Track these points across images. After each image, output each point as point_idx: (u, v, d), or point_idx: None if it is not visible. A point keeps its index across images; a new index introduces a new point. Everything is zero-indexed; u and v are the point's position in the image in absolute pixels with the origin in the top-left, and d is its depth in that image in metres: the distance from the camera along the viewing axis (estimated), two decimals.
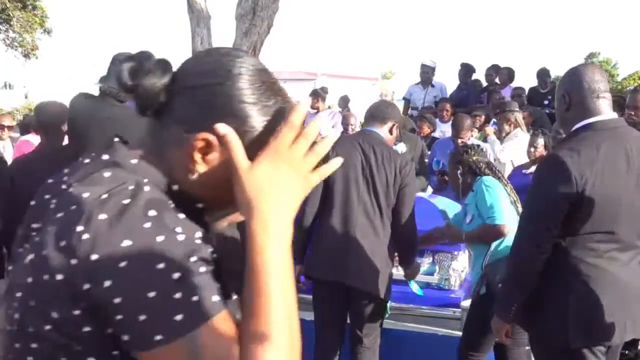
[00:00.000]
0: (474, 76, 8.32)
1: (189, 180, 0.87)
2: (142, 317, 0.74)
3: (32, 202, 0.92)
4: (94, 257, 0.75)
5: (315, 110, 7.41)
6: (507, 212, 2.85)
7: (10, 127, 6.15)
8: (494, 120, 6.12)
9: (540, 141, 4.36)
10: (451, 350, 2.94)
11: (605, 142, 2.09)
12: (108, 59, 2.90)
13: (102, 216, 0.77)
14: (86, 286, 0.75)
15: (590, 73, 2.18)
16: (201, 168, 0.86)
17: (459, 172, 3.06)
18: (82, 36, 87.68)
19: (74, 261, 0.76)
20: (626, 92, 8.40)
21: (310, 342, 2.95)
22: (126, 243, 0.75)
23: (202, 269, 0.78)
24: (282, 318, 0.79)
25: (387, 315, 3.08)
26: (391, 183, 2.92)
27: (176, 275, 0.75)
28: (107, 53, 3.07)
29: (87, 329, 0.77)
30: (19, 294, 0.82)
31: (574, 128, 2.18)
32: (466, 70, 8.13)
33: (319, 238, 2.97)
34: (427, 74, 7.85)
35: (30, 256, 0.82)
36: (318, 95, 7.48)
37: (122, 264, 0.75)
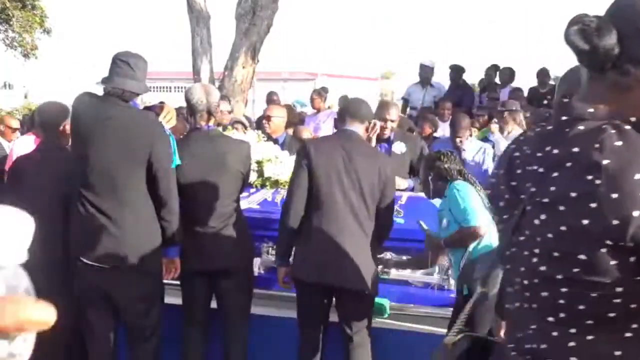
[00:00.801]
0: (470, 77, 8.29)
1: None
2: None
3: (514, 182, 1.10)
4: (615, 195, 0.91)
5: (316, 110, 7.41)
6: (480, 213, 2.86)
7: (16, 129, 6.16)
8: (495, 120, 6.12)
9: None
10: None
11: None
12: (108, 59, 2.89)
13: (606, 161, 0.93)
14: (615, 222, 0.91)
15: None
16: None
17: (429, 177, 3.11)
18: (82, 36, 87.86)
19: (593, 205, 0.92)
20: None
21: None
22: (638, 176, 0.91)
23: None
24: None
25: (387, 315, 3.08)
26: (375, 182, 2.92)
27: None
28: (107, 53, 3.05)
29: (613, 262, 0.93)
30: (536, 250, 1.01)
31: None
32: (456, 71, 8.08)
33: (305, 240, 2.95)
34: (425, 74, 7.84)
35: (542, 216, 1.00)
36: (321, 94, 7.48)
37: None
